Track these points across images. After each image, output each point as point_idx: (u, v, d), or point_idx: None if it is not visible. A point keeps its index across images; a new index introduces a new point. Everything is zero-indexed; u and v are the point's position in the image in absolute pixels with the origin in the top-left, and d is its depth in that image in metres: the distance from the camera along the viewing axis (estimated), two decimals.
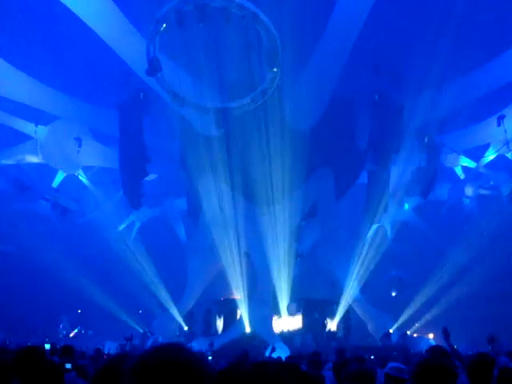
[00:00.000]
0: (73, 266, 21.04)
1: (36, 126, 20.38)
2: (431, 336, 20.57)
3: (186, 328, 20.11)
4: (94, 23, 16.05)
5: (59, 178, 22.83)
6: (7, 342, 15.66)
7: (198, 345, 15.94)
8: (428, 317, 20.68)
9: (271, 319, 18.81)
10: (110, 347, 16.79)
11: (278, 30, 14.04)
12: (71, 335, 21.50)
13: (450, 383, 3.59)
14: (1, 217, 21.30)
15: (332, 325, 19.75)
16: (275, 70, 14.40)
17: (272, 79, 14.75)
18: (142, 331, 20.41)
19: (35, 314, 20.19)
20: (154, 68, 14.19)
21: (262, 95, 15.05)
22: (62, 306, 21.17)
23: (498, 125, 18.93)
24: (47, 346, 8.96)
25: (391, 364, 4.82)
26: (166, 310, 20.20)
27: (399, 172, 20.65)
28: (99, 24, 16.10)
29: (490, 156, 21.83)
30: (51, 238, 21.37)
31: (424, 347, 12.42)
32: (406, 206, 23.53)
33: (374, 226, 20.85)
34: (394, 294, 24.24)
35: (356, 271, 19.62)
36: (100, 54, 17.02)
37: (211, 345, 15.81)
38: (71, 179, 22.97)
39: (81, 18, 15.74)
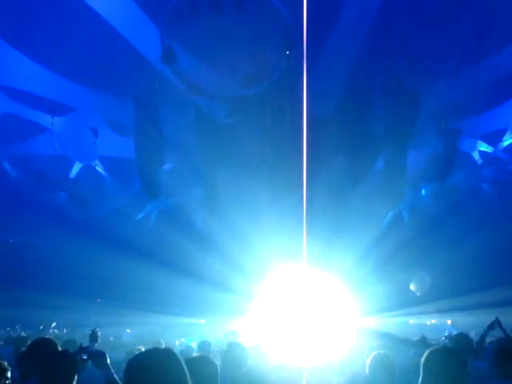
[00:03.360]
0: (90, 256, 21.23)
1: (52, 117, 20.50)
2: (449, 322, 20.59)
3: None
4: (108, 13, 16.10)
5: (76, 168, 23.00)
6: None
7: None
8: (445, 304, 20.67)
9: None
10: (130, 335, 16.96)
11: (293, 14, 13.99)
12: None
13: None
14: (20, 208, 21.43)
15: None
16: (289, 53, 14.35)
17: (287, 65, 14.73)
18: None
19: (54, 305, 20.29)
20: (168, 57, 14.23)
21: (277, 82, 15.03)
22: (81, 296, 21.29)
23: None
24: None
25: None
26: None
27: (416, 158, 20.57)
28: (113, 14, 16.15)
29: (507, 141, 21.70)
30: (69, 228, 21.47)
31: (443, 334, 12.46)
32: (423, 192, 23.43)
33: (391, 213, 20.80)
34: (418, 294, 24.07)
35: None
36: (115, 44, 17.02)
37: None
38: (88, 170, 23.12)
39: (95, 9, 15.80)
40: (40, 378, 4.19)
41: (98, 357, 4.57)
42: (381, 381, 5.10)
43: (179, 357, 2.53)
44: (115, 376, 4.43)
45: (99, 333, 5.95)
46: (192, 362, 3.04)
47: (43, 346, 5.04)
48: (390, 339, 8.75)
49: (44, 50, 17.84)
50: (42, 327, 16.81)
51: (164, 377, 2.38)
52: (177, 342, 13.65)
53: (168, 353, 2.56)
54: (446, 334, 11.83)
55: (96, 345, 5.53)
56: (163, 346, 8.12)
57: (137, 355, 2.61)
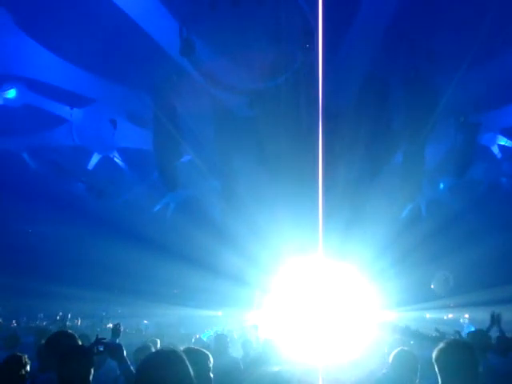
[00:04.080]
0: (108, 248, 21.38)
1: (71, 108, 20.60)
2: (466, 316, 20.50)
3: None
4: (127, 5, 16.12)
5: (94, 160, 23.12)
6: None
7: None
8: (464, 299, 20.58)
9: None
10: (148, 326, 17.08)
11: (310, 7, 13.93)
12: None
13: None
14: (39, 199, 21.60)
15: None
16: (308, 46, 14.30)
17: (305, 58, 14.68)
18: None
19: (73, 295, 20.48)
20: (187, 49, 14.25)
21: (296, 75, 14.99)
22: (99, 287, 21.44)
23: None
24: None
25: None
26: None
27: (434, 151, 20.44)
28: (132, 6, 16.18)
29: None
30: (87, 219, 21.62)
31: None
32: (442, 186, 23.30)
33: (409, 206, 20.70)
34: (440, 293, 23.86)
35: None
36: (134, 36, 17.04)
37: None
38: (106, 161, 23.22)
39: (114, 1, 15.83)
40: (57, 372, 4.22)
41: (114, 349, 4.65)
42: (403, 378, 5.08)
43: (184, 357, 2.84)
44: (131, 368, 4.49)
45: (121, 328, 5.97)
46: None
47: (62, 340, 5.06)
48: (410, 334, 8.71)
49: (63, 42, 17.91)
50: (58, 316, 16.98)
51: (169, 377, 2.70)
52: (192, 339, 13.67)
53: (174, 354, 2.87)
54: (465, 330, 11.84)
55: (117, 340, 5.55)
56: (158, 344, 8.20)
57: (146, 357, 2.93)
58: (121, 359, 4.59)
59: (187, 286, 21.67)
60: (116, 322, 5.97)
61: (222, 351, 8.23)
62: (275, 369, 4.93)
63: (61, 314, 17.14)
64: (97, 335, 4.79)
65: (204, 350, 4.30)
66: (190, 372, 2.80)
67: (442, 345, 3.75)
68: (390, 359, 5.34)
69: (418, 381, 5.14)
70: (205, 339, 12.13)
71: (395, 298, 20.45)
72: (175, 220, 23.33)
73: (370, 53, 17.35)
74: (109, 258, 21.52)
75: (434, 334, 8.61)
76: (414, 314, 20.25)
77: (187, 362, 2.84)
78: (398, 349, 5.49)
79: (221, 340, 9.06)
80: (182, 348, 4.19)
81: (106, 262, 21.51)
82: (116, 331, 5.66)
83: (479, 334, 7.08)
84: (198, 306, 21.98)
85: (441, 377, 3.62)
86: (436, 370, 3.67)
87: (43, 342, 5.46)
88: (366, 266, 19.97)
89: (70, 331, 5.61)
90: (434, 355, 3.71)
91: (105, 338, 4.73)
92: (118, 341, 5.28)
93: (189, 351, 4.05)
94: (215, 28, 15.69)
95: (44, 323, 17.73)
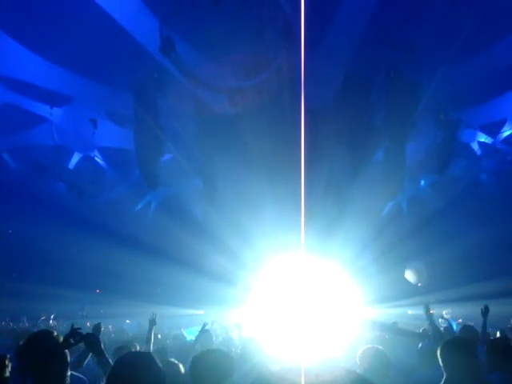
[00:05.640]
0: (89, 247, 21.27)
1: (51, 108, 20.45)
2: (444, 313, 20.63)
3: None
4: (107, 3, 16.02)
5: (75, 159, 22.99)
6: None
7: None
8: (444, 295, 20.72)
9: None
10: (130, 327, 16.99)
11: (291, 4, 13.95)
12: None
13: None
14: (19, 198, 21.44)
15: None
16: (287, 44, 14.32)
17: (286, 56, 14.69)
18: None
19: (52, 296, 20.34)
20: (167, 47, 14.20)
21: (277, 73, 15.00)
22: (79, 287, 21.33)
23: None
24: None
25: None
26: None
27: (415, 148, 20.56)
28: (112, 4, 16.08)
29: (507, 131, 21.69)
30: (68, 219, 21.48)
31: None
32: (422, 183, 23.45)
33: (390, 204, 20.81)
34: (419, 285, 24.03)
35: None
36: (114, 34, 16.94)
37: None
38: (87, 160, 23.10)
39: None
40: (33, 375, 4.15)
41: (91, 340, 4.52)
42: (373, 375, 5.07)
43: (156, 359, 2.97)
44: (110, 360, 4.37)
45: (102, 327, 5.98)
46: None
47: (40, 340, 4.99)
48: (392, 331, 8.77)
49: (42, 40, 17.75)
50: (43, 318, 16.84)
51: (141, 378, 2.79)
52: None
53: (146, 356, 3.03)
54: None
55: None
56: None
57: (119, 358, 3.08)
58: (99, 352, 4.46)
59: (169, 284, 21.61)
60: (97, 322, 5.93)
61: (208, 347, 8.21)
62: (257, 367, 4.93)
63: (43, 317, 17.02)
64: (72, 324, 4.70)
65: (175, 362, 4.41)
66: (161, 374, 2.91)
67: (444, 341, 4.03)
68: (358, 357, 5.37)
69: (392, 375, 5.16)
70: (188, 337, 12.08)
71: (376, 294, 20.55)
72: (157, 219, 23.29)
73: (351, 50, 17.40)
74: (90, 257, 21.43)
75: (416, 330, 8.70)
76: (395, 310, 20.37)
77: (159, 364, 2.95)
78: (365, 347, 5.50)
79: (206, 337, 9.07)
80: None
81: (88, 261, 21.41)
82: (96, 330, 5.60)
83: (469, 330, 7.45)
84: (180, 305, 21.91)
85: (446, 371, 3.90)
86: (441, 364, 3.94)
87: (21, 342, 5.40)
88: (348, 263, 20.05)
89: (51, 330, 5.54)
90: (438, 351, 4.01)
91: (80, 328, 4.63)
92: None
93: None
94: (196, 26, 15.65)
95: (26, 325, 17.53)
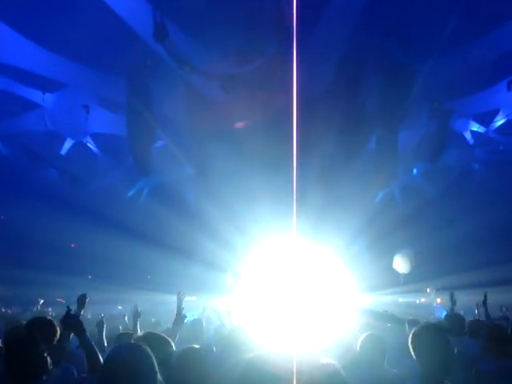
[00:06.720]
0: (82, 233, 21.26)
1: (43, 93, 20.35)
2: (439, 301, 20.73)
3: None
4: None
5: (67, 145, 22.92)
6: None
7: None
8: (436, 284, 20.83)
9: None
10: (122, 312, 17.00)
11: None
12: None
13: None
14: (11, 185, 21.38)
15: None
16: (280, 31, 14.27)
17: (278, 43, 14.64)
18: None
19: (43, 282, 20.30)
20: (160, 33, 14.13)
21: (269, 60, 14.96)
22: (71, 273, 21.30)
23: (509, 89, 18.74)
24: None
25: None
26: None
27: (408, 137, 20.58)
28: None
29: (499, 121, 21.73)
30: (60, 205, 21.43)
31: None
32: (415, 171, 23.49)
33: (383, 192, 20.84)
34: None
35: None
36: (107, 20, 16.84)
37: None
38: (80, 147, 23.04)
39: None
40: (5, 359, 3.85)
41: (72, 320, 4.18)
42: (371, 361, 5.14)
43: (149, 352, 2.92)
44: (92, 343, 4.09)
45: (87, 299, 5.43)
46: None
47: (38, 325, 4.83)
48: (383, 318, 8.79)
49: (35, 26, 17.65)
50: (41, 302, 16.82)
51: (132, 370, 2.78)
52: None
53: (138, 348, 2.95)
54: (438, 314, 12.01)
55: (83, 311, 5.24)
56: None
57: (111, 350, 3.07)
58: (80, 333, 4.08)
59: (161, 271, 21.63)
60: (82, 293, 5.49)
61: (199, 337, 8.20)
62: (247, 356, 4.95)
63: (42, 301, 17.00)
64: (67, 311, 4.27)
65: (165, 336, 4.28)
66: (154, 366, 2.89)
67: (415, 329, 3.80)
68: (359, 344, 5.40)
69: (385, 364, 5.21)
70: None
71: (368, 282, 20.61)
72: (149, 205, 23.28)
73: (344, 38, 17.35)
74: (82, 243, 21.42)
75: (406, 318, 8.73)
76: (387, 298, 20.45)
77: (153, 358, 2.92)
78: (366, 333, 5.55)
79: (196, 325, 9.03)
80: (141, 333, 4.20)
81: (80, 247, 21.40)
82: (82, 301, 5.29)
83: (455, 318, 7.23)
84: (171, 292, 21.91)
85: (418, 361, 3.67)
86: (412, 353, 3.71)
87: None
88: (340, 251, 20.08)
89: (48, 317, 5.41)
90: (409, 340, 3.75)
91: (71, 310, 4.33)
92: (86, 314, 5.09)
93: (149, 336, 4.05)
94: (189, 12, 15.57)
95: (18, 311, 17.51)
